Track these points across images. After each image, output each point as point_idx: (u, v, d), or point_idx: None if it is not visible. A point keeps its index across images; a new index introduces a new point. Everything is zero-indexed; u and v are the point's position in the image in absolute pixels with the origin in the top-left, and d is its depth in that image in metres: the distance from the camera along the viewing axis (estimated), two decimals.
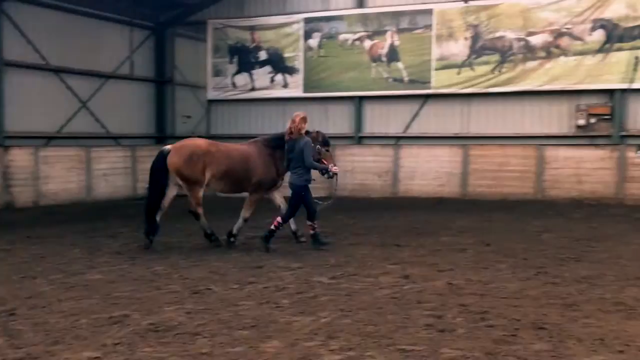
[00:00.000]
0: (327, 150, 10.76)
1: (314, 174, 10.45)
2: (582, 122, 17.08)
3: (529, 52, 17.54)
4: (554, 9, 17.27)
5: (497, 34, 17.85)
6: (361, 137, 19.67)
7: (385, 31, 19.08)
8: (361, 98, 19.58)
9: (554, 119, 17.67)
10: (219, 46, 21.20)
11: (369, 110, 19.64)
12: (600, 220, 13.86)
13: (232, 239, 10.85)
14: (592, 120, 17.12)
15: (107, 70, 20.27)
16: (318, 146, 10.55)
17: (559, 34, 17.24)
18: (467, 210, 15.84)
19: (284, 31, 20.28)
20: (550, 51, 17.35)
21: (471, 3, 18.00)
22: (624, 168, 16.40)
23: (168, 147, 10.77)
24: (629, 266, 9.28)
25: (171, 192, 10.74)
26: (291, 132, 10.38)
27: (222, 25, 21.07)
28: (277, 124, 20.63)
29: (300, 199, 10.31)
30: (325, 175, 10.59)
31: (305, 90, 20.05)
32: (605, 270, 8.96)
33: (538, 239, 11.75)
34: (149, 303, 7.25)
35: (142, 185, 20.09)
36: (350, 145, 19.61)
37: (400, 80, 19.00)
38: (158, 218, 10.66)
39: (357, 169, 19.22)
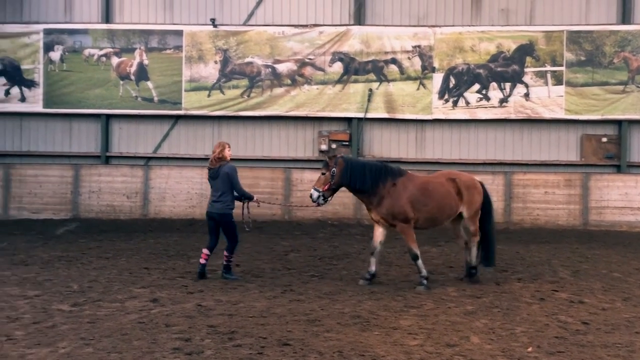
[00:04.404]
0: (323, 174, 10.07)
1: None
2: (324, 147, 18.23)
3: (276, 78, 18.33)
4: (298, 40, 18.28)
5: (246, 60, 18.38)
6: (109, 157, 18.84)
7: (134, 49, 18.60)
8: (108, 116, 18.78)
9: (300, 143, 18.62)
10: None
11: (117, 129, 18.92)
12: (341, 240, 14.84)
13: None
14: (333, 146, 18.36)
15: None
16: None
17: (302, 64, 18.28)
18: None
19: (22, 41, 18.71)
20: (295, 79, 18.31)
21: (220, 28, 18.33)
22: None
23: None
24: None
25: None
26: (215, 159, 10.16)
27: None
28: (12, 140, 18.97)
29: (233, 227, 10.13)
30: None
31: (46, 105, 18.69)
32: (345, 286, 9.60)
33: (285, 258, 12.23)
34: None
35: None
36: (97, 165, 18.68)
37: (150, 100, 18.62)
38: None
39: (105, 190, 18.35)
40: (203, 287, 9.37)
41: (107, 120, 18.76)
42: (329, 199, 10.13)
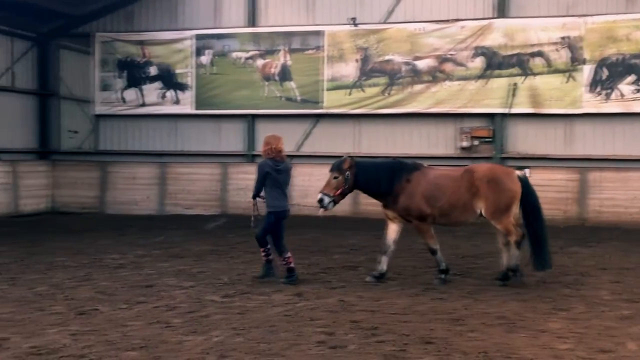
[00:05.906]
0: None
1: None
2: (465, 144, 17.88)
3: (416, 75, 18.22)
4: (438, 35, 18.05)
5: (386, 57, 18.42)
6: (254, 156, 19.63)
7: (278, 50, 19.22)
8: (254, 116, 19.58)
9: (440, 140, 18.40)
10: (107, 60, 20.55)
11: (262, 128, 19.64)
12: (483, 238, 14.47)
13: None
14: (475, 143, 17.97)
15: None
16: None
17: (443, 60, 18.02)
18: (358, 229, 16.10)
19: (175, 47, 19.96)
20: (435, 75, 18.10)
21: (360, 26, 18.49)
22: None
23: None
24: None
25: None
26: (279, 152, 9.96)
27: (110, 39, 20.46)
28: (168, 140, 20.27)
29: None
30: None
31: (197, 107, 19.81)
32: (487, 286, 9.37)
33: (425, 257, 12.11)
34: (31, 325, 6.87)
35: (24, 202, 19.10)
36: (243, 163, 19.53)
37: (293, 100, 19.18)
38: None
39: (250, 187, 19.03)
40: (345, 283, 9.52)
41: (252, 120, 19.55)
42: (337, 203, 9.56)
